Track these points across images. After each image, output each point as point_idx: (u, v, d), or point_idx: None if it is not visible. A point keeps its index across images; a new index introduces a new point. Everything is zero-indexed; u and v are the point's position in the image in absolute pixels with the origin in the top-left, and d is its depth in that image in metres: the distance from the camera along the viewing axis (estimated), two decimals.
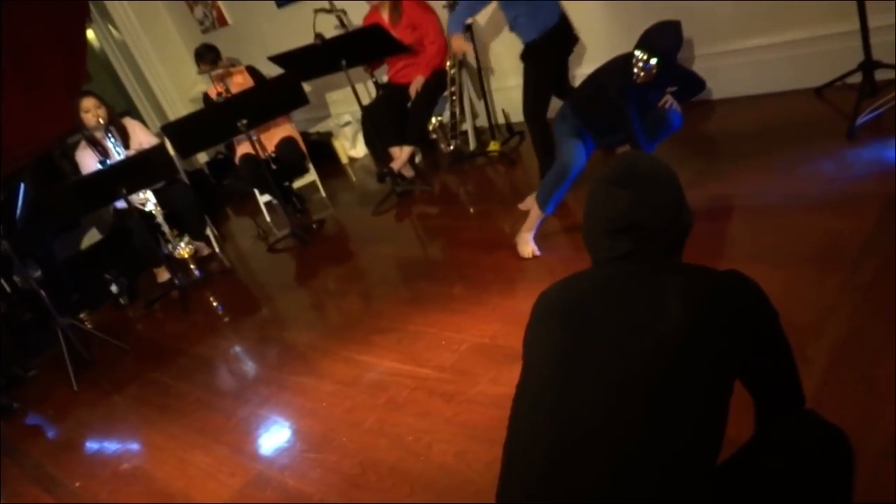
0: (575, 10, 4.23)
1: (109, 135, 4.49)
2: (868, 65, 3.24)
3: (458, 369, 2.73)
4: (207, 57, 4.99)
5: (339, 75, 4.56)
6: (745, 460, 1.32)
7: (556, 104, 3.64)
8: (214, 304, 4.48)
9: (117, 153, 4.48)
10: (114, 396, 3.68)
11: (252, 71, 5.24)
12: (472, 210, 4.40)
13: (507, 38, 4.78)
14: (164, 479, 2.84)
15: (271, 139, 5.06)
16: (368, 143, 5.26)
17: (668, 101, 3.20)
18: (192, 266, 4.77)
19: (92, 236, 5.93)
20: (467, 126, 4.97)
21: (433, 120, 4.73)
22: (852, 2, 3.12)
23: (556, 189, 3.21)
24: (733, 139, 3.73)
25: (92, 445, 3.33)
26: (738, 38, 3.93)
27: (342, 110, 6.34)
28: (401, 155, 4.87)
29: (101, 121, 4.48)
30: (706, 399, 1.25)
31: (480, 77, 4.92)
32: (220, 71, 4.95)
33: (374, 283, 3.91)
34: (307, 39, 4.45)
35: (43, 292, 4.03)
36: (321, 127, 6.57)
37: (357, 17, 5.20)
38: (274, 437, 2.83)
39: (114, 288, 4.93)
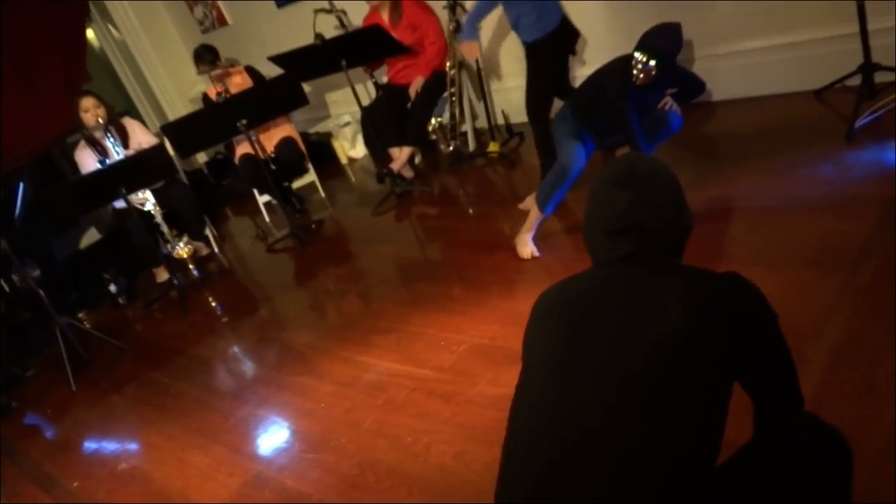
0: (575, 10, 4.24)
1: (109, 134, 4.49)
2: (867, 67, 3.25)
3: (457, 370, 2.72)
4: (206, 57, 4.99)
5: (338, 76, 4.56)
6: (743, 462, 1.32)
7: (557, 105, 3.64)
8: (213, 304, 4.48)
9: (116, 153, 4.48)
10: (112, 396, 3.68)
11: (251, 71, 5.24)
12: (471, 211, 4.40)
13: (507, 39, 4.80)
14: (163, 479, 2.83)
15: (271, 139, 5.06)
16: (368, 143, 5.26)
17: (668, 102, 3.20)
18: (191, 266, 4.76)
19: (91, 236, 5.93)
20: (467, 127, 4.97)
21: (433, 121, 4.73)
22: (852, 4, 3.12)
23: (555, 190, 3.21)
24: (733, 141, 3.73)
25: (90, 445, 3.33)
26: (738, 40, 3.93)
27: (342, 111, 6.34)
28: (400, 155, 4.87)
29: (101, 120, 4.48)
30: (705, 400, 1.25)
31: (480, 78, 4.92)
32: (218, 71, 4.95)
33: (374, 283, 3.90)
34: (307, 40, 4.45)
35: (42, 292, 4.02)
36: (321, 127, 6.57)
37: (357, 17, 5.20)
38: (273, 437, 2.83)
39: (112, 288, 4.93)
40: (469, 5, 4.63)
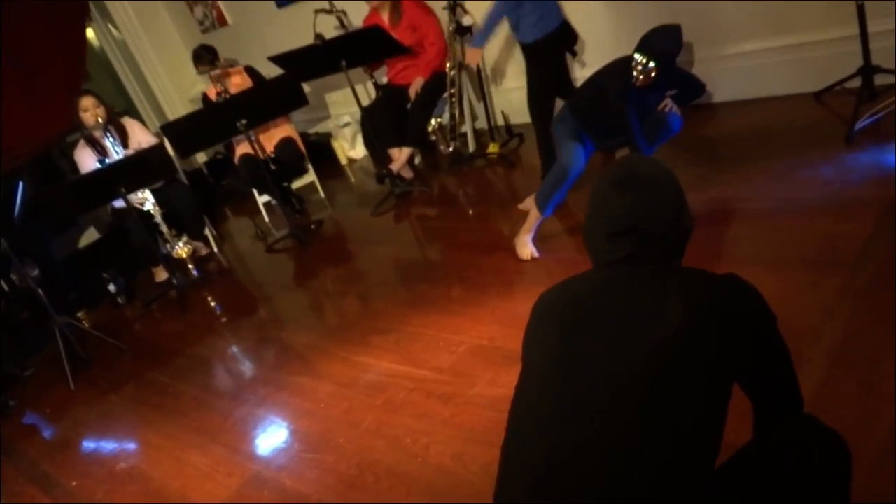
0: (576, 11, 4.24)
1: (108, 134, 4.48)
2: (867, 69, 3.25)
3: (456, 371, 2.72)
4: (205, 58, 4.98)
5: (338, 76, 4.56)
6: (742, 463, 1.32)
7: (559, 105, 3.64)
8: (212, 304, 4.48)
9: (116, 152, 4.48)
10: (111, 396, 3.68)
11: (250, 71, 5.23)
12: (470, 212, 4.40)
13: (507, 41, 4.80)
14: (161, 478, 2.83)
15: (270, 139, 5.06)
16: (368, 144, 5.26)
17: (668, 104, 3.21)
18: (190, 266, 4.76)
19: (90, 235, 5.93)
20: (466, 128, 4.97)
21: (432, 121, 4.73)
22: (852, 6, 3.13)
23: (554, 191, 3.21)
24: (733, 143, 3.73)
25: (89, 445, 3.33)
26: (739, 42, 3.94)
27: (341, 111, 6.35)
28: (400, 156, 4.87)
29: (100, 120, 4.47)
30: (705, 401, 1.25)
31: (480, 79, 4.92)
32: (218, 71, 4.94)
33: (373, 284, 3.90)
34: (307, 40, 4.45)
35: (40, 291, 4.02)
36: (320, 128, 6.57)
37: (357, 17, 5.20)
38: (271, 437, 2.82)
39: (111, 287, 4.93)
40: (469, 6, 4.66)
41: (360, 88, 5.10)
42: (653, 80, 2.99)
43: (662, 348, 1.25)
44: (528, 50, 3.69)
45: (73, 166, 4.81)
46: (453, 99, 4.64)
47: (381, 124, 4.82)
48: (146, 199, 4.55)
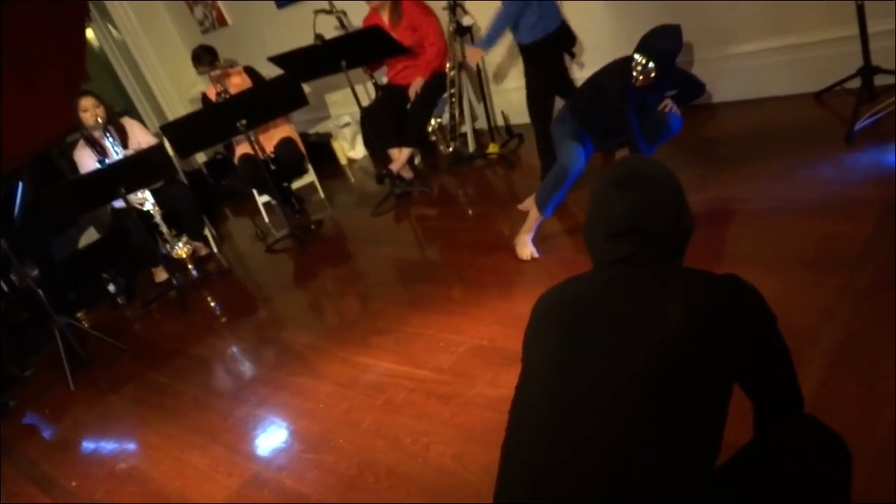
0: (576, 11, 4.24)
1: (108, 134, 4.48)
2: (867, 70, 3.25)
3: (456, 371, 2.72)
4: (204, 58, 4.98)
5: (338, 76, 4.56)
6: (743, 463, 1.32)
7: (560, 104, 3.64)
8: (212, 304, 4.48)
9: (116, 153, 4.48)
10: (111, 396, 3.68)
11: (250, 72, 5.23)
12: (470, 212, 4.40)
13: (506, 41, 4.79)
14: (161, 479, 2.83)
15: (270, 140, 5.06)
16: (367, 144, 5.26)
17: (668, 104, 3.21)
18: (189, 266, 4.76)
19: (90, 235, 5.92)
20: (466, 128, 4.97)
21: (432, 122, 4.73)
22: (852, 7, 3.13)
23: (554, 191, 3.21)
24: (733, 143, 3.73)
25: (88, 445, 3.33)
26: (739, 43, 3.94)
27: (341, 111, 6.35)
28: (400, 156, 4.87)
29: (100, 120, 4.47)
30: (705, 401, 1.25)
31: (480, 79, 4.92)
32: (217, 72, 4.94)
33: (373, 284, 3.90)
34: (307, 40, 4.45)
35: (40, 291, 4.02)
36: (320, 128, 6.57)
37: (357, 18, 5.20)
38: (271, 437, 2.82)
39: (111, 287, 4.93)
40: (469, 6, 4.66)
41: (359, 89, 5.10)
42: (652, 80, 2.99)
43: (662, 348, 1.25)
44: (526, 51, 3.69)
45: (73, 166, 4.80)
46: (453, 99, 4.64)
47: (381, 124, 4.82)
48: (146, 200, 4.55)
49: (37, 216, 4.52)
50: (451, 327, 3.03)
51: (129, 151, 4.58)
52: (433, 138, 4.84)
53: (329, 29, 4.90)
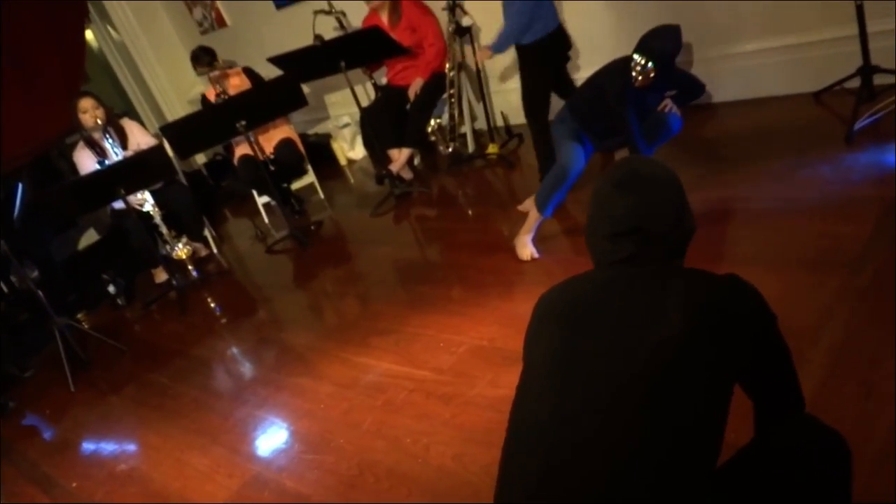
0: (576, 11, 4.25)
1: (107, 135, 4.48)
2: (867, 69, 3.25)
3: (457, 371, 2.72)
4: (203, 59, 4.99)
5: (338, 77, 4.56)
6: (743, 463, 1.32)
7: (558, 105, 3.64)
8: (212, 305, 4.48)
9: (115, 154, 4.48)
10: (111, 397, 3.68)
11: (249, 73, 5.24)
12: (470, 212, 4.40)
13: None
14: (161, 480, 2.83)
15: (270, 140, 5.06)
16: (367, 144, 5.26)
17: (668, 104, 3.21)
18: (189, 267, 4.75)
19: (90, 237, 5.91)
20: (466, 128, 4.97)
21: (432, 122, 4.73)
22: (851, 6, 3.13)
23: (554, 192, 3.21)
24: (732, 143, 3.73)
25: (88, 446, 3.33)
26: (738, 43, 3.94)
27: (341, 112, 6.35)
28: (399, 157, 4.87)
29: (100, 121, 4.47)
30: (705, 402, 1.25)
31: (480, 80, 4.92)
32: (216, 73, 4.95)
33: (373, 284, 3.90)
34: (306, 41, 4.45)
35: (40, 292, 4.02)
36: (320, 128, 6.57)
37: (356, 18, 5.20)
38: (272, 438, 2.82)
39: (111, 288, 4.93)
40: (468, 7, 4.66)
41: (359, 89, 5.10)
42: (652, 80, 2.99)
43: (663, 348, 1.25)
44: (523, 51, 3.68)
45: (73, 168, 4.81)
46: (452, 100, 4.64)
47: (381, 125, 4.82)
48: (145, 201, 4.55)
49: (36, 217, 4.52)
50: (451, 328, 3.03)
51: (129, 153, 4.58)
52: (433, 139, 4.84)
53: (328, 29, 4.90)
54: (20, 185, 4.36)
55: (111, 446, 3.24)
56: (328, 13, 4.92)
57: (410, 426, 2.53)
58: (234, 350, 3.77)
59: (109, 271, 4.99)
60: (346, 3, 5.12)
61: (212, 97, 4.97)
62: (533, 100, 3.75)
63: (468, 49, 4.79)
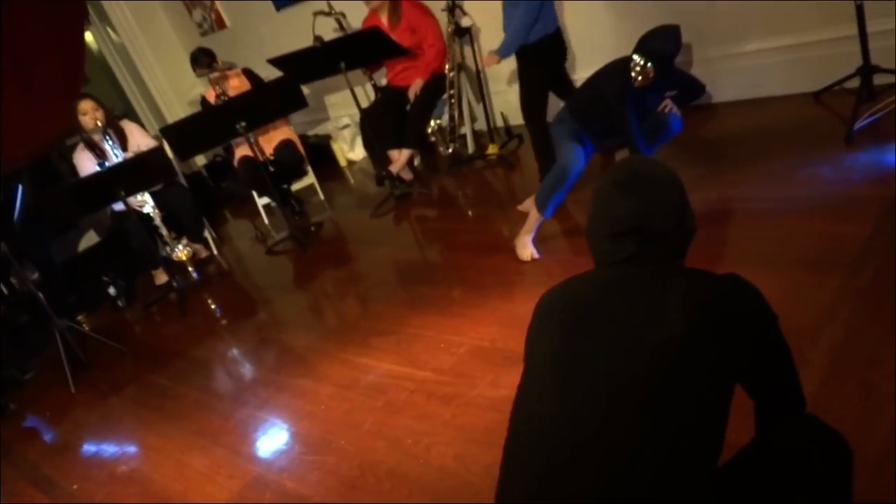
0: (576, 12, 4.25)
1: (107, 137, 4.48)
2: (866, 69, 3.25)
3: (457, 372, 2.72)
4: (203, 61, 4.98)
5: (337, 78, 4.56)
6: (744, 463, 1.32)
7: (557, 105, 3.64)
8: (212, 306, 4.48)
9: (115, 155, 4.48)
10: (111, 398, 3.68)
11: (248, 74, 5.23)
12: (470, 213, 4.40)
13: None
14: (162, 481, 2.83)
15: (270, 142, 5.06)
16: (367, 145, 5.26)
17: (668, 105, 3.21)
18: (190, 268, 4.75)
19: (90, 238, 5.92)
20: (466, 129, 4.97)
21: (432, 123, 4.73)
22: (851, 6, 3.13)
23: (554, 192, 3.21)
24: (732, 143, 3.73)
25: (89, 447, 3.33)
26: (738, 43, 3.94)
27: (341, 113, 6.35)
28: (399, 158, 4.87)
29: (99, 123, 4.47)
30: (706, 401, 1.25)
31: (479, 80, 4.92)
32: (216, 74, 4.94)
33: (373, 285, 3.90)
34: (306, 42, 4.45)
35: (40, 294, 4.02)
36: (320, 130, 6.58)
37: (356, 19, 5.20)
38: (272, 439, 2.82)
39: (111, 290, 4.93)
40: (468, 7, 4.66)
41: (359, 90, 5.10)
42: (651, 80, 2.99)
43: (663, 348, 1.26)
44: (524, 52, 3.68)
45: (73, 170, 4.80)
46: (452, 100, 4.64)
47: (381, 126, 4.83)
48: (145, 202, 4.55)
49: (36, 219, 4.52)
50: (451, 328, 3.03)
51: (129, 154, 4.58)
52: (433, 139, 4.84)
53: (328, 30, 4.89)
54: (20, 187, 4.35)
55: (112, 448, 3.24)
56: (328, 14, 4.92)
57: (411, 427, 2.53)
58: (235, 351, 3.77)
59: (110, 273, 4.99)
60: (345, 4, 5.12)
61: (211, 99, 4.97)
62: (531, 101, 3.75)
63: (468, 50, 4.79)
